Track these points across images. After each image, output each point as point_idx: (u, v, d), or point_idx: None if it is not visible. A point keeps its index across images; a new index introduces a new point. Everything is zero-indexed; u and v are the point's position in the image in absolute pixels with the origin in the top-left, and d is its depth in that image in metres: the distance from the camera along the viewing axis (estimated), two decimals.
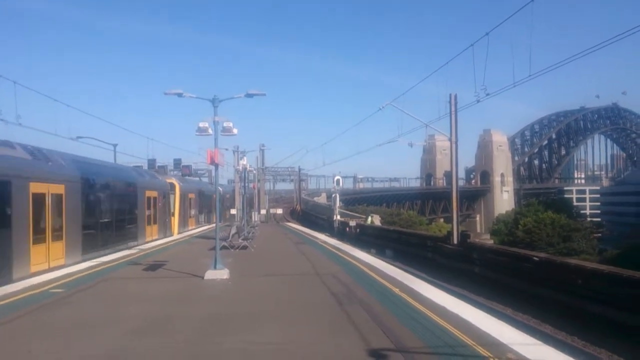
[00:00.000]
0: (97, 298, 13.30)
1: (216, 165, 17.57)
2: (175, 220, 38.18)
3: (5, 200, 15.21)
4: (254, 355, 8.18)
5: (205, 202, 51.26)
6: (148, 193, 30.55)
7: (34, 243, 16.65)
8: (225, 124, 17.17)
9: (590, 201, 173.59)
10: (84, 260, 20.15)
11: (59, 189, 18.51)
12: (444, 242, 28.49)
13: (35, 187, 16.82)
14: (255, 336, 9.23)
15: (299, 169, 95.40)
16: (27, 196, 16.33)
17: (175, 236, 36.00)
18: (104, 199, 23.71)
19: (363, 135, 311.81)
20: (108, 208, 24.11)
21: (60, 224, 18.58)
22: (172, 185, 37.90)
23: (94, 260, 20.61)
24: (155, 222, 32.03)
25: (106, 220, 23.62)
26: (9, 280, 15.00)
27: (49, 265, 17.61)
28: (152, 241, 30.29)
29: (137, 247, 26.71)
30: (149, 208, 30.72)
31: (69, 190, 19.22)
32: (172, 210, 37.28)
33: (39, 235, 17.06)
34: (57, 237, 18.29)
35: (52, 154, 19.20)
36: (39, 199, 17.03)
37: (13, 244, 15.45)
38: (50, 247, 17.78)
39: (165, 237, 34.19)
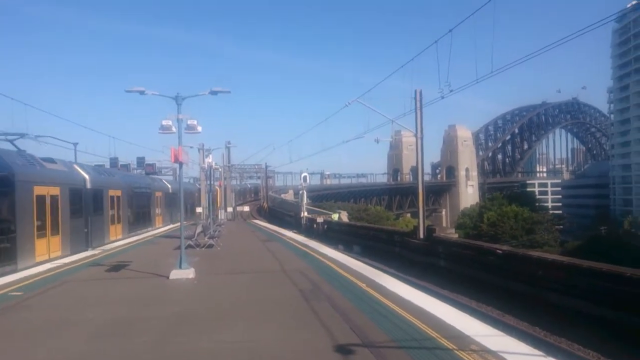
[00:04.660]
0: (58, 301, 13.02)
1: (180, 164, 17.39)
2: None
3: None
4: (221, 354, 8.16)
5: (142, 203, 39.71)
6: (40, 190, 20.55)
7: None
8: (189, 122, 17.09)
9: (551, 194, 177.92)
10: None
11: None
12: (411, 237, 28.80)
13: None
14: (222, 335, 9.20)
15: (266, 166, 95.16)
16: None
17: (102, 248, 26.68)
18: None
19: (330, 131, 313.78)
20: None
21: None
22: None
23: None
24: (57, 233, 22.09)
25: None
26: None
27: None
28: (43, 262, 20.36)
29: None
30: (42, 212, 20.61)
31: None
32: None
33: None
34: None
35: None
36: None
37: None
38: None
39: (79, 251, 24.63)
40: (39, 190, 20.47)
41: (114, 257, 22.53)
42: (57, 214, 22.22)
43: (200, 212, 52.99)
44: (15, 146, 23.38)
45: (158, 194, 46.03)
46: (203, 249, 24.66)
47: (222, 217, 56.33)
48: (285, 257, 21.45)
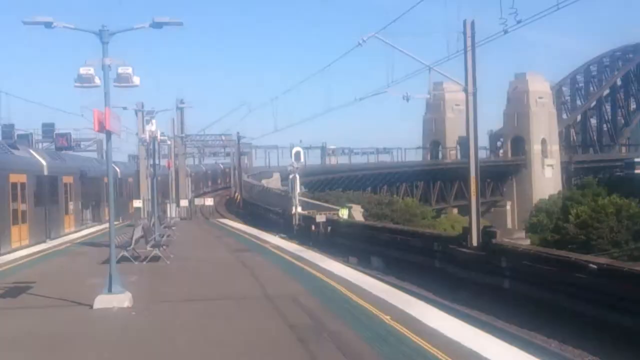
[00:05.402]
0: None
1: (108, 133, 17.25)
2: None
3: None
4: None
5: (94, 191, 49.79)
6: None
7: None
8: (120, 70, 16.95)
9: None
10: None
11: None
12: (458, 244, 28.79)
13: None
14: None
15: (239, 137, 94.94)
16: None
17: None
18: None
19: (335, 85, 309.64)
20: None
21: None
22: None
23: None
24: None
25: None
26: None
27: None
28: None
29: None
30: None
31: None
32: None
33: None
34: None
35: None
36: None
37: None
38: None
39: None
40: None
41: (14, 273, 22.58)
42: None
43: (139, 207, 53.11)
44: None
45: (107, 180, 49.88)
46: (144, 262, 24.84)
47: (173, 215, 56.45)
48: (269, 275, 21.53)
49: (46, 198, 36.69)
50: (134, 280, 19.65)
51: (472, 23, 28.33)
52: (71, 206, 43.12)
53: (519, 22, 22.84)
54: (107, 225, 47.10)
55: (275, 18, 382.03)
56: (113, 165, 55.62)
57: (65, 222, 41.48)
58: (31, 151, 38.47)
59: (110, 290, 16.46)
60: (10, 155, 32.33)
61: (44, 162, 37.45)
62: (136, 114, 50.42)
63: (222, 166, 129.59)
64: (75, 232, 42.96)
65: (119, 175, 57.45)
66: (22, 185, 31.86)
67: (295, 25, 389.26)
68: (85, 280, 20.18)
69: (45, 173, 36.88)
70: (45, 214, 36.21)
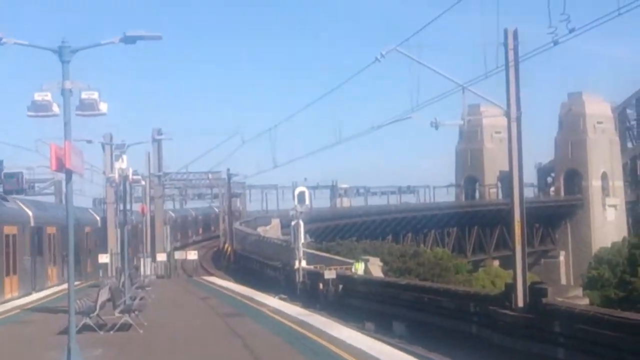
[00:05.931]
0: None
1: (68, 173, 17.30)
2: None
3: None
4: None
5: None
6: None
7: None
8: (84, 95, 16.97)
9: None
10: None
11: None
12: (500, 304, 28.72)
13: None
14: None
15: (229, 175, 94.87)
16: None
17: None
18: None
19: (346, 111, 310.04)
20: None
21: None
22: None
23: None
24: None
25: None
26: None
27: None
28: None
29: None
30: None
31: None
32: None
33: None
34: None
35: None
36: None
37: None
38: None
39: None
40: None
41: None
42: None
43: (106, 263, 53.08)
44: None
45: (87, 229, 57.70)
46: (111, 332, 24.75)
47: (148, 272, 56.37)
48: (266, 346, 21.54)
49: (33, 250, 42.61)
50: (98, 354, 19.68)
51: (515, 32, 28.44)
52: (55, 258, 48.76)
53: (571, 30, 22.90)
54: (91, 281, 48.55)
55: (273, 35, 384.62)
56: (93, 213, 59.42)
57: (49, 274, 47.29)
58: (18, 202, 44.53)
59: None
60: (3, 207, 38.56)
61: (30, 213, 43.95)
62: (103, 148, 50.51)
63: (217, 210, 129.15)
64: (58, 284, 47.40)
65: (99, 224, 62.25)
66: (14, 237, 37.33)
67: (298, 42, 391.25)
68: (37, 354, 20.13)
69: (32, 224, 42.96)
70: (32, 265, 41.81)
